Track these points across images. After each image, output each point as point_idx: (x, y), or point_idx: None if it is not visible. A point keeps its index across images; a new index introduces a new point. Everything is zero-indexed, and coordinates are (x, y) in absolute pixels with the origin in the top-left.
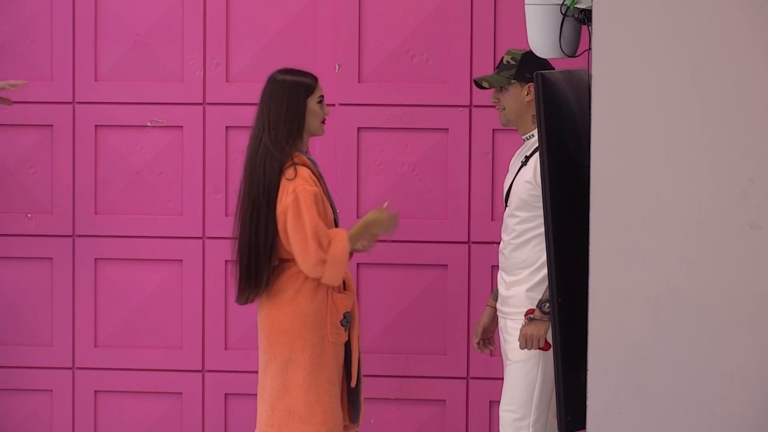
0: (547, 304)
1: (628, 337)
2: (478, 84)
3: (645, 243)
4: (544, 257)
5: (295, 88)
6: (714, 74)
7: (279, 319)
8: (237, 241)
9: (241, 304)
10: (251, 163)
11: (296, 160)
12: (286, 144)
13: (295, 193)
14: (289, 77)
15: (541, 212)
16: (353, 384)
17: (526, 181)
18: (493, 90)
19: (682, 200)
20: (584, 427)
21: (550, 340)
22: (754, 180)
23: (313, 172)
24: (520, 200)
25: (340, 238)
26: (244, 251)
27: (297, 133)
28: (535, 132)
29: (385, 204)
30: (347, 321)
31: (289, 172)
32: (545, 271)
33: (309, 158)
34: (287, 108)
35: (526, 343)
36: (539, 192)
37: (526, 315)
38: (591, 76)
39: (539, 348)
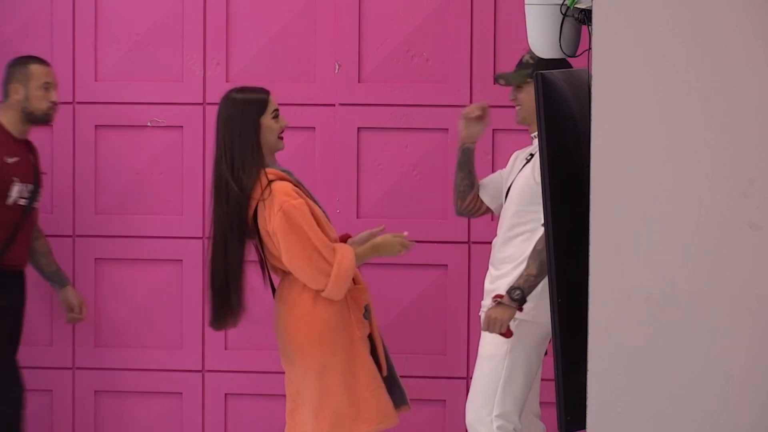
0: (518, 291)
1: (628, 337)
2: (496, 80)
3: (645, 243)
4: (528, 252)
5: (245, 108)
6: (714, 74)
7: (305, 330)
8: (211, 265)
9: (216, 329)
10: (215, 188)
11: (270, 176)
12: (248, 170)
13: (282, 211)
14: (239, 96)
15: (534, 209)
16: (384, 373)
17: (524, 177)
18: (511, 88)
19: (682, 200)
20: (584, 427)
21: (513, 329)
22: (754, 180)
23: (291, 183)
24: (518, 194)
25: (348, 253)
26: (215, 278)
27: (255, 155)
28: None
29: (405, 233)
30: (368, 313)
31: (265, 194)
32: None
33: (282, 170)
34: (240, 131)
35: (488, 325)
36: (536, 189)
37: (494, 298)
38: (591, 76)
39: (501, 334)
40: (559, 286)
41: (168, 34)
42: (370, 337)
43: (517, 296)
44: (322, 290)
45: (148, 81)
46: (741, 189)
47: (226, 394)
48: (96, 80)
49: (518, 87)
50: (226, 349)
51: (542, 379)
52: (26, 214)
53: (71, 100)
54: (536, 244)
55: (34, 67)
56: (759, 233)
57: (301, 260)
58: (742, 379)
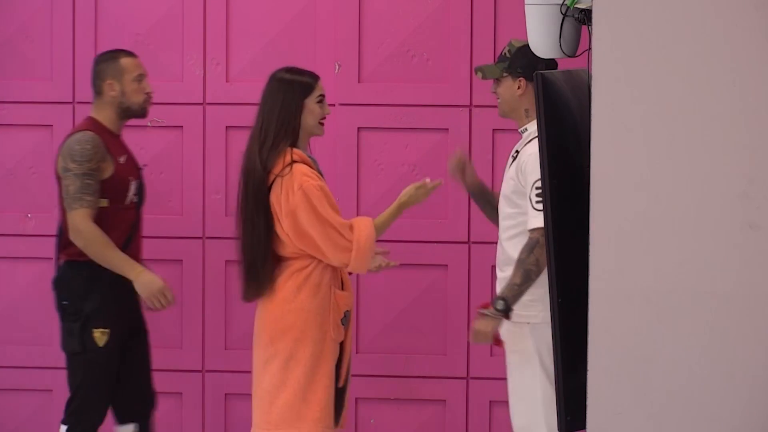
0: (501, 302)
1: (628, 337)
2: (475, 73)
3: (645, 243)
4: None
5: (292, 87)
6: (714, 74)
7: (281, 317)
8: (239, 240)
9: (247, 301)
10: (245, 162)
11: (295, 157)
12: (276, 145)
13: (302, 190)
14: (287, 76)
15: (522, 210)
16: (341, 384)
17: (510, 177)
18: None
19: (682, 200)
20: (584, 427)
21: (528, 335)
22: (754, 180)
23: (312, 169)
24: (504, 196)
25: (365, 225)
26: (245, 251)
27: (289, 134)
28: (529, 126)
29: (427, 179)
30: (347, 320)
31: (284, 171)
32: None
33: (310, 156)
34: (281, 108)
35: (474, 338)
36: (521, 189)
37: (478, 309)
38: (591, 76)
39: (492, 344)
40: (559, 286)
41: (168, 34)
42: (342, 345)
43: (501, 306)
44: (347, 265)
45: (148, 81)
46: (741, 189)
47: (226, 394)
48: None
49: (496, 80)
50: (226, 349)
51: None
52: (138, 211)
53: (72, 100)
54: (520, 252)
55: (125, 61)
56: (759, 233)
57: (321, 237)
58: (742, 379)
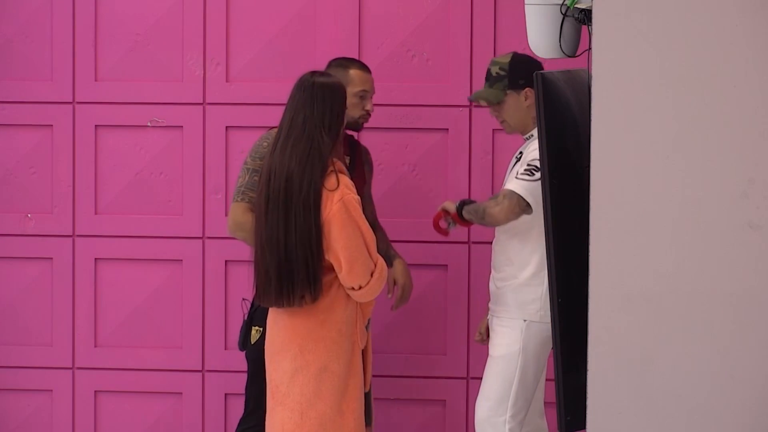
0: (464, 205)
1: (628, 337)
2: (474, 100)
3: (645, 243)
4: (528, 253)
5: (340, 91)
6: (714, 74)
7: (314, 328)
8: (272, 241)
9: (293, 305)
10: (301, 164)
11: (337, 167)
12: (332, 149)
13: (342, 202)
14: (334, 80)
15: (527, 210)
16: (368, 388)
17: (515, 176)
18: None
19: (682, 200)
20: (584, 427)
21: (523, 330)
22: (754, 180)
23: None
24: None
25: (381, 258)
26: (293, 252)
27: (337, 137)
28: (535, 131)
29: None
30: (368, 325)
31: (331, 182)
32: (530, 268)
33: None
34: (338, 112)
35: (442, 207)
36: None
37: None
38: (591, 76)
39: (436, 224)
40: (559, 286)
41: (168, 34)
42: (363, 350)
43: (459, 206)
44: (363, 287)
45: (148, 81)
46: (741, 189)
47: (226, 394)
48: (96, 80)
49: (498, 103)
50: (226, 349)
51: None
52: None
53: (71, 100)
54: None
55: (355, 73)
56: (759, 233)
57: (354, 252)
58: (742, 379)
